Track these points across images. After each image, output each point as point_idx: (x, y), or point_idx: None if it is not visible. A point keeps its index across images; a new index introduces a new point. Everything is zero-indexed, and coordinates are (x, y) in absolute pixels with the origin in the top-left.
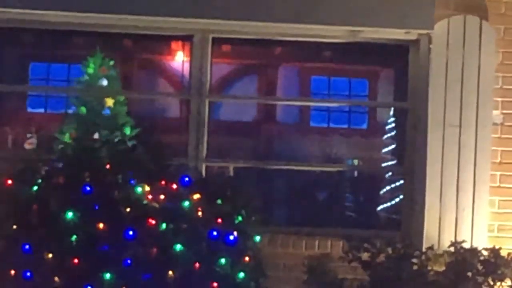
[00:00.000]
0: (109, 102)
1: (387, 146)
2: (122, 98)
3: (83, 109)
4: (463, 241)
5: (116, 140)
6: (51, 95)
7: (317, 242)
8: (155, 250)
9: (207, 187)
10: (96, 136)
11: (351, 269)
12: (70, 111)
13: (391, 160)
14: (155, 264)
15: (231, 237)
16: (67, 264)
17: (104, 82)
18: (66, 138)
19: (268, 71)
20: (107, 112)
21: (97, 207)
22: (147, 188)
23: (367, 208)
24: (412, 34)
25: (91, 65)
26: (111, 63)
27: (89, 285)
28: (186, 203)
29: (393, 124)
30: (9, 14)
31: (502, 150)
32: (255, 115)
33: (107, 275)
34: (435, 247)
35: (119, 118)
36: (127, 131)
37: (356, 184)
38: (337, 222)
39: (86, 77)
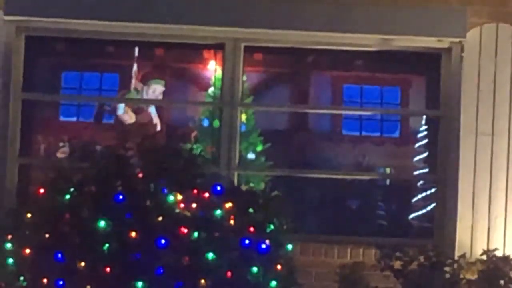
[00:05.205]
0: (243, 117)
1: (419, 154)
2: (251, 111)
3: (217, 123)
4: (496, 249)
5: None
6: (83, 104)
7: (349, 251)
8: (187, 258)
9: (239, 196)
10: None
11: (383, 277)
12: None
13: (423, 168)
14: (187, 273)
15: (263, 246)
16: (99, 272)
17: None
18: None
19: (300, 80)
20: (243, 128)
21: (129, 216)
22: (179, 197)
23: (399, 216)
24: (444, 42)
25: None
26: (244, 78)
27: None
28: (218, 212)
29: (425, 132)
30: (42, 23)
31: None
32: (287, 124)
33: (139, 284)
34: (468, 255)
35: (252, 134)
36: (259, 147)
37: (388, 192)
38: (369, 230)
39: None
